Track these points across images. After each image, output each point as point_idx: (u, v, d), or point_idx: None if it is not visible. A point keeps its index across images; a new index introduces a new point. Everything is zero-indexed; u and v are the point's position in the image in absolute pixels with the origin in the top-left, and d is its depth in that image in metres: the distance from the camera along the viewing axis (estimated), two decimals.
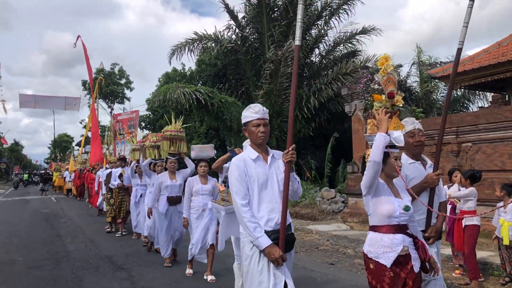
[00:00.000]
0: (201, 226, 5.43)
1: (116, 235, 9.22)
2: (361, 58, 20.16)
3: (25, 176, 41.75)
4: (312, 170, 17.34)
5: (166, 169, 6.63)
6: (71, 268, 6.16)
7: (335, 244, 7.47)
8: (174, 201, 6.22)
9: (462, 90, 18.52)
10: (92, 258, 6.84)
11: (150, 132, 21.24)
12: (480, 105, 18.15)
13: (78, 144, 50.59)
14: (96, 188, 13.32)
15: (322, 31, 20.94)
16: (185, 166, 6.55)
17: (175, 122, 6.65)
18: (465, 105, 18.91)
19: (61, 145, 59.35)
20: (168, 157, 6.27)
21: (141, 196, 8.32)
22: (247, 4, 20.75)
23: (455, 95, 19.00)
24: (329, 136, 19.59)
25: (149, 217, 6.78)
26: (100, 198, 12.66)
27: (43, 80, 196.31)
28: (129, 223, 9.62)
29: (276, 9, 20.22)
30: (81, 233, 9.75)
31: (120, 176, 9.46)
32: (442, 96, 18.61)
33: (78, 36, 12.67)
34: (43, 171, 46.08)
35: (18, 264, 6.59)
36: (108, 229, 9.84)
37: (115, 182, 9.47)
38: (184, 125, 7.61)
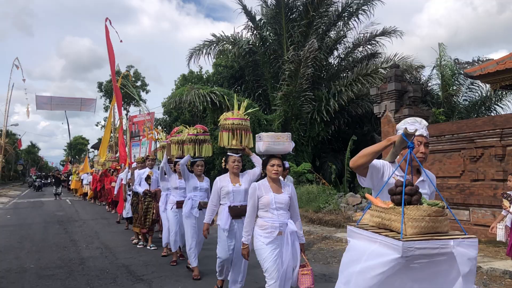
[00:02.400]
0: (275, 257, 3.67)
1: (138, 245, 8.06)
2: (381, 60, 19.61)
3: (33, 177, 42.35)
4: (331, 175, 16.74)
5: (192, 171, 5.83)
6: (86, 278, 5.68)
7: None
8: (238, 212, 4.52)
9: (488, 91, 17.86)
10: (108, 267, 6.35)
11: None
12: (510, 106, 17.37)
13: (94, 147, 50.65)
14: (115, 192, 12.22)
15: (341, 32, 20.44)
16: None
17: (238, 108, 5.02)
18: (492, 107, 18.11)
19: (76, 147, 59.53)
20: (230, 154, 4.74)
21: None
22: (264, 6, 20.41)
23: (479, 97, 18.22)
24: (348, 139, 19.05)
25: (205, 236, 4.85)
26: (126, 204, 10.86)
27: (61, 83, 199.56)
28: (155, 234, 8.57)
29: (294, 10, 19.77)
30: (96, 238, 9.31)
31: (148, 178, 7.87)
32: (465, 99, 17.90)
33: (106, 19, 12.02)
34: (50, 173, 46.10)
35: (28, 272, 6.14)
36: (135, 241, 8.45)
37: (139, 187, 7.86)
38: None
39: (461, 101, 17.80)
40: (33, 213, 15.47)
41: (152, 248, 7.70)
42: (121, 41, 12.51)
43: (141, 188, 7.80)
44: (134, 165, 10.37)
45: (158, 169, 7.55)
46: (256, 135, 4.09)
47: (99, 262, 6.69)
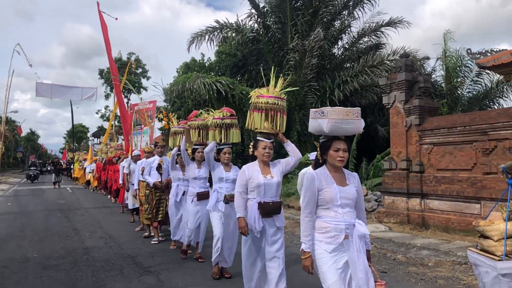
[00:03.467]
0: (341, 269, 3.00)
1: (152, 241, 7.32)
2: (386, 52, 19.35)
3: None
4: None
5: (218, 160, 5.16)
6: (92, 269, 5.52)
7: (380, 248, 6.73)
8: (270, 210, 3.83)
9: (495, 83, 17.65)
10: (113, 257, 6.19)
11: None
12: None
13: (94, 135, 50.46)
14: (121, 182, 11.53)
15: (346, 22, 20.14)
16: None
17: (274, 85, 4.11)
18: (495, 100, 17.95)
19: (76, 135, 59.33)
20: (261, 139, 3.94)
21: (183, 194, 6.47)
22: None
23: (483, 90, 18.06)
24: None
25: (245, 233, 3.85)
26: (129, 194, 10.29)
27: (61, 71, 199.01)
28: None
29: None
30: (99, 227, 9.16)
31: (159, 167, 7.25)
32: (468, 92, 17.68)
33: (98, 4, 11.71)
34: (48, 161, 45.09)
35: (31, 262, 5.99)
36: (147, 234, 7.87)
37: (149, 178, 7.27)
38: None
39: (465, 93, 17.60)
40: (33, 201, 15.33)
41: (160, 239, 7.42)
42: (116, 18, 12.21)
43: (151, 178, 7.27)
44: (135, 152, 10.21)
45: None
46: (314, 111, 3.02)
47: (104, 253, 6.53)
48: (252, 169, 3.91)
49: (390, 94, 9.76)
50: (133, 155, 10.05)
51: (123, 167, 11.10)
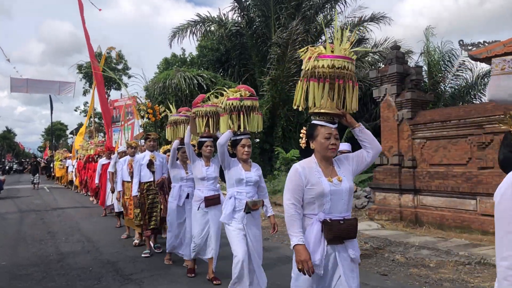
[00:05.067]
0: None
1: (143, 254, 6.08)
2: (368, 46, 19.24)
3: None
4: None
5: (234, 155, 4.05)
6: (66, 278, 5.00)
7: (377, 247, 6.39)
8: (342, 232, 2.48)
9: (476, 78, 17.74)
10: (91, 264, 5.68)
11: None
12: None
13: (73, 132, 49.22)
14: (97, 181, 10.80)
15: (329, 16, 19.87)
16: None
17: (339, 42, 2.59)
18: (477, 96, 18.04)
19: (55, 133, 57.86)
20: (321, 123, 2.57)
21: (187, 197, 5.36)
22: None
23: (464, 84, 18.15)
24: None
25: (309, 273, 2.36)
26: (111, 195, 9.22)
27: (40, 68, 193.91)
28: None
29: None
30: (76, 229, 8.61)
31: (150, 164, 6.07)
32: (451, 87, 17.68)
33: None
34: (26, 160, 43.30)
35: (0, 270, 5.45)
36: (137, 242, 6.85)
37: (135, 185, 6.04)
38: None
39: (447, 88, 17.61)
40: (7, 202, 14.58)
41: (157, 251, 6.26)
42: (100, 9, 11.65)
43: (142, 177, 6.05)
44: (121, 148, 9.14)
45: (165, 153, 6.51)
46: (503, 59, 1.97)
47: (81, 259, 6.01)
48: (309, 170, 2.52)
49: (380, 87, 9.45)
50: (119, 151, 9.07)
51: (102, 165, 10.58)
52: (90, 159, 14.71)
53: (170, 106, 5.99)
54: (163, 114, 9.25)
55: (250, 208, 3.81)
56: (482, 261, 5.32)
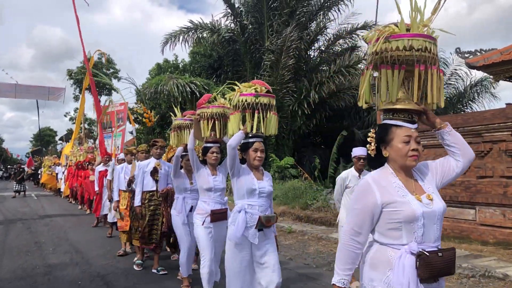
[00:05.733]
0: None
1: (135, 264, 5.79)
2: (361, 54, 19.24)
3: None
4: (315, 170, 16.15)
5: (243, 162, 3.47)
6: None
7: None
8: (441, 269, 1.89)
9: (468, 87, 17.87)
10: (80, 277, 5.42)
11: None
12: (490, 103, 17.34)
13: (62, 138, 48.62)
14: (97, 188, 9.82)
15: (322, 23, 19.86)
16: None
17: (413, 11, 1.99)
18: (468, 104, 18.15)
19: (44, 139, 57.15)
20: (399, 123, 2.03)
21: (190, 210, 4.83)
22: None
23: (455, 93, 18.26)
24: (328, 133, 18.54)
25: None
26: (107, 205, 8.74)
27: (30, 73, 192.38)
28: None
29: None
30: (65, 239, 8.32)
31: (154, 172, 5.56)
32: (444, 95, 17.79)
33: None
34: (11, 166, 42.19)
35: None
36: (136, 260, 6.13)
37: (138, 196, 5.55)
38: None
39: None
40: None
41: (161, 273, 5.52)
42: (87, 4, 11.36)
43: (144, 186, 5.56)
44: (121, 155, 8.50)
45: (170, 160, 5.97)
46: None
47: (69, 271, 5.74)
48: (386, 185, 1.94)
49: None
50: (118, 158, 8.51)
51: (99, 171, 9.74)
52: (80, 166, 14.20)
53: (175, 109, 5.46)
54: (155, 119, 8.80)
55: (263, 224, 3.26)
56: (487, 274, 5.17)
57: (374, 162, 2.09)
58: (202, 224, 4.06)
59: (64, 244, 7.83)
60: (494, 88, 16.36)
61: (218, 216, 4.11)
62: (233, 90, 3.62)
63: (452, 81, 18.42)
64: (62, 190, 18.57)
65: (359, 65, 18.37)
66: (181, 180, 4.87)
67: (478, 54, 8.76)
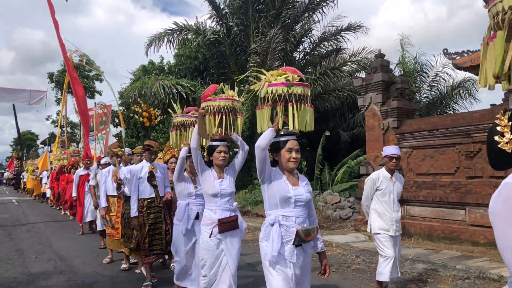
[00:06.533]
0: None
1: (144, 285, 5.03)
2: (348, 54, 19.28)
3: None
4: (302, 172, 16.07)
5: (276, 164, 2.91)
6: None
7: (369, 261, 6.13)
8: None
9: (450, 89, 18.05)
10: (64, 286, 5.18)
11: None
12: (473, 105, 17.55)
13: (44, 142, 47.70)
14: (74, 194, 9.50)
15: (306, 26, 19.87)
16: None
17: None
18: (450, 106, 18.34)
19: (25, 143, 56.02)
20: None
21: (196, 217, 4.31)
22: None
23: (438, 95, 18.46)
24: (313, 135, 18.51)
25: None
26: (93, 212, 8.52)
27: (10, 77, 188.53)
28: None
29: (262, 1, 19.00)
30: (47, 246, 8.04)
31: (151, 177, 5.08)
32: (426, 97, 17.93)
33: None
34: None
35: None
36: (124, 266, 6.03)
37: (134, 204, 4.98)
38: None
39: (422, 98, 17.87)
40: None
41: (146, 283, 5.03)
42: (66, 0, 11.02)
43: (141, 193, 5.03)
44: (105, 159, 7.84)
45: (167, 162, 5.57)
46: None
47: (53, 281, 5.50)
48: None
49: (365, 96, 9.29)
50: (102, 162, 7.92)
51: (79, 176, 9.51)
52: (63, 170, 13.76)
53: (174, 105, 4.91)
54: (159, 119, 8.50)
55: (302, 239, 2.71)
56: (482, 275, 5.12)
57: (506, 160, 1.43)
58: (210, 236, 3.50)
59: (47, 251, 7.56)
60: (477, 91, 16.51)
61: (227, 226, 3.54)
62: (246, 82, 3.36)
63: (435, 82, 18.63)
64: (48, 195, 18.02)
65: (344, 67, 18.44)
66: (184, 184, 4.35)
67: (465, 55, 8.80)
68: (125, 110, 22.54)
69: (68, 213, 12.74)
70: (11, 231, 10.21)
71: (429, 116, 11.08)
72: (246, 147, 3.82)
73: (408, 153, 8.55)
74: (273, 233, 2.69)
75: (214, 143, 3.69)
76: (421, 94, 17.92)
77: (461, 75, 19.53)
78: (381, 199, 4.59)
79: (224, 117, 3.56)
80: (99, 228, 7.78)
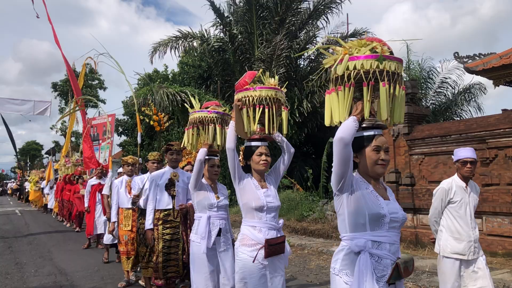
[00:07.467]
0: None
1: None
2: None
3: None
4: (308, 180, 15.78)
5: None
6: None
7: None
8: None
9: (457, 95, 17.81)
10: None
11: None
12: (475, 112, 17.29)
13: (48, 152, 47.69)
14: (86, 205, 8.82)
15: (311, 32, 19.73)
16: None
17: None
18: (457, 112, 18.09)
19: (29, 153, 56.09)
20: None
21: (219, 233, 3.56)
22: (232, 3, 19.43)
23: (445, 101, 18.22)
24: (318, 143, 18.27)
25: None
26: (102, 223, 8.12)
27: (17, 87, 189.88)
28: None
29: (266, 7, 18.89)
30: (48, 259, 7.80)
31: (170, 185, 4.41)
32: (432, 103, 17.69)
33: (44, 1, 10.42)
34: None
35: None
36: (123, 284, 5.66)
37: (149, 216, 4.38)
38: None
39: (429, 104, 17.65)
40: None
41: None
42: (38, 17, 11.04)
43: (158, 203, 4.38)
44: (120, 169, 7.24)
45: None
46: None
47: None
48: None
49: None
50: (118, 172, 7.55)
51: (91, 185, 8.68)
52: (67, 180, 13.38)
53: (192, 99, 4.12)
54: (167, 124, 8.28)
55: (400, 275, 1.95)
56: None
57: None
58: (253, 261, 2.76)
59: (47, 265, 7.30)
60: (484, 94, 16.29)
61: (275, 249, 2.82)
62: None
63: (442, 88, 18.40)
64: (49, 206, 17.62)
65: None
66: (205, 193, 3.58)
67: (477, 58, 8.52)
68: (129, 119, 22.44)
69: (75, 226, 12.32)
70: (12, 243, 9.97)
71: (440, 122, 10.80)
72: (292, 149, 3.17)
73: (419, 160, 8.27)
74: (361, 266, 1.90)
75: (253, 143, 2.98)
76: (427, 101, 17.72)
77: (467, 80, 19.35)
78: (455, 213, 3.84)
79: (266, 110, 2.89)
80: (106, 241, 7.25)
